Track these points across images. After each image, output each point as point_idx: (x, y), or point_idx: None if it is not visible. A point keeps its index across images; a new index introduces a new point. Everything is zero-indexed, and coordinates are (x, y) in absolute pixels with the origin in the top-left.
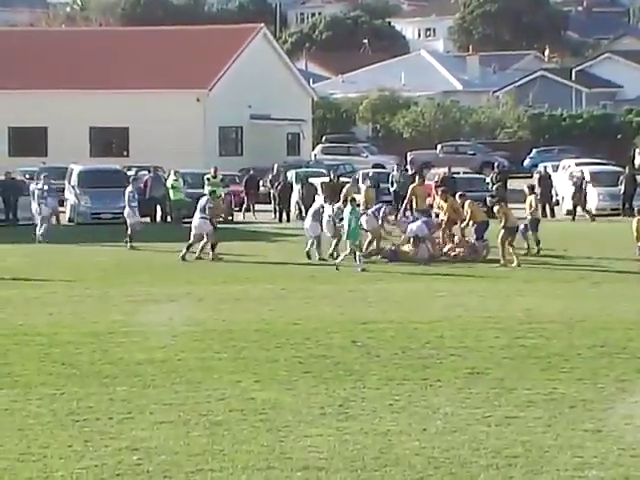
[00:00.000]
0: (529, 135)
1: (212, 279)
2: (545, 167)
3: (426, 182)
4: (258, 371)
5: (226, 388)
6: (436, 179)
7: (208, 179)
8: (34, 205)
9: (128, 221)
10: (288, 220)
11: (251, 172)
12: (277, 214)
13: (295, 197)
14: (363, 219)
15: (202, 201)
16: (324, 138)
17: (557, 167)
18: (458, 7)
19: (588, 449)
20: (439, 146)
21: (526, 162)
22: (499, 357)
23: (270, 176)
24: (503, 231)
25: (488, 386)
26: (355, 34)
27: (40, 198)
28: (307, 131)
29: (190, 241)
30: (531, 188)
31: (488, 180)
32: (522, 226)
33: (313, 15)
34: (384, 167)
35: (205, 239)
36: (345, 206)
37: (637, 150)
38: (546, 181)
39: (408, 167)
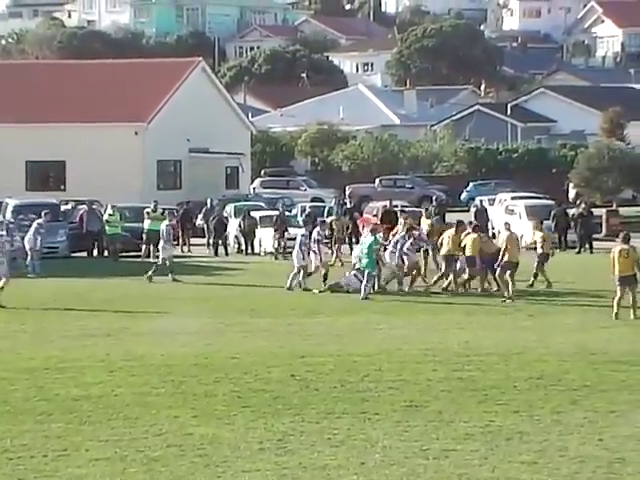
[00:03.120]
0: (466, 169)
1: (151, 313)
2: (481, 200)
3: (364, 215)
4: (196, 406)
5: (163, 423)
6: (374, 212)
7: (148, 213)
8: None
9: (161, 255)
10: (226, 254)
11: (185, 206)
12: (213, 248)
13: (234, 231)
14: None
15: (314, 233)
16: (263, 172)
17: (493, 200)
18: (395, 42)
19: None
20: (377, 180)
21: (463, 195)
22: (437, 390)
23: (204, 210)
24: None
25: (426, 419)
26: (294, 68)
27: (37, 233)
28: (246, 165)
29: (311, 271)
30: (540, 223)
31: (425, 214)
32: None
33: (252, 49)
34: (323, 201)
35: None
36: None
37: (570, 184)
38: (482, 214)
39: (347, 200)
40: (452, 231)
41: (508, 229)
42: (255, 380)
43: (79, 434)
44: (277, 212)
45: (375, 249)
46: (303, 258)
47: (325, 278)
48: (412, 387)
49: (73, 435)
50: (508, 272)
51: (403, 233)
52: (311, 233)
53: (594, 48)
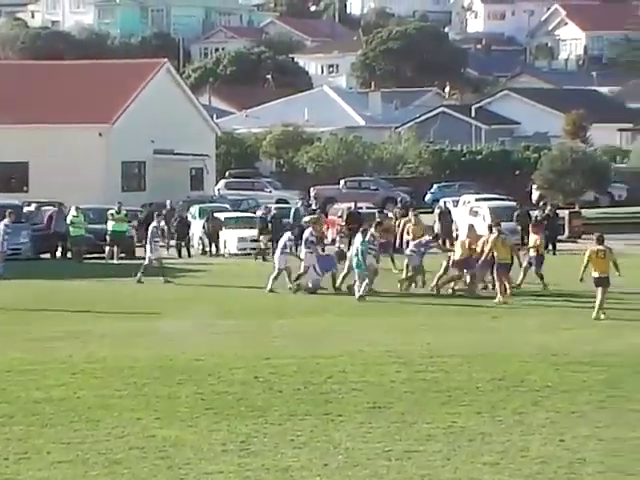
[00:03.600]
0: (430, 170)
1: (115, 315)
2: (445, 202)
3: (329, 217)
4: (159, 408)
5: (126, 426)
6: (340, 214)
7: (112, 214)
8: None
9: (148, 256)
10: (189, 255)
11: (148, 208)
12: (176, 249)
13: (199, 232)
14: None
15: (306, 234)
16: (228, 173)
17: (457, 202)
18: (361, 44)
19: None
20: (342, 181)
21: (427, 197)
22: (400, 391)
23: (164, 212)
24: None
25: (389, 420)
26: (259, 69)
27: (5, 234)
28: (211, 166)
29: (300, 272)
30: (536, 226)
31: (391, 215)
32: (526, 263)
33: (217, 50)
34: (288, 202)
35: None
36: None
37: (534, 186)
38: (446, 216)
39: (311, 202)
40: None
41: (498, 230)
42: (218, 382)
43: (40, 437)
44: (260, 215)
45: (363, 249)
46: (285, 261)
47: (297, 278)
48: (375, 388)
49: (34, 438)
50: (504, 273)
51: (373, 231)
52: (297, 236)
53: (557, 51)
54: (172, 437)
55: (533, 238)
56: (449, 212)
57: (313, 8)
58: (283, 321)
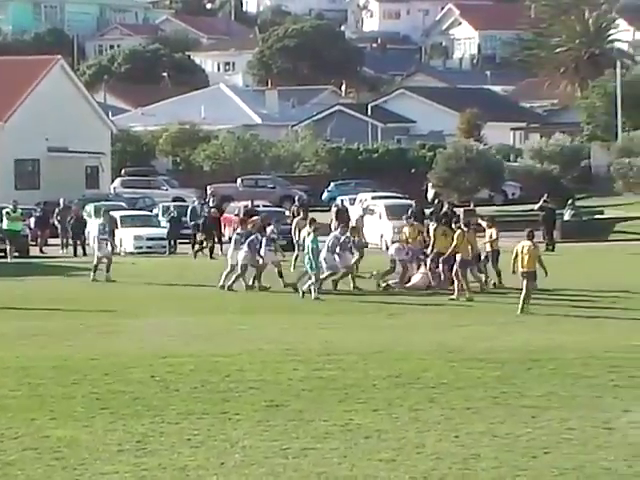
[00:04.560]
0: (327, 169)
1: (6, 315)
2: (342, 200)
3: (226, 215)
4: (54, 408)
5: (20, 427)
6: (236, 212)
7: (7, 213)
8: None
9: (97, 254)
10: (84, 254)
11: (43, 206)
12: (72, 248)
13: (94, 231)
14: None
15: (269, 232)
16: (124, 171)
17: (354, 200)
18: (257, 42)
19: (381, 479)
20: (239, 179)
21: (324, 195)
22: (298, 389)
23: (57, 210)
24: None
25: (286, 418)
26: (155, 67)
27: None
28: (106, 164)
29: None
30: (490, 220)
31: (288, 213)
32: (483, 257)
33: (112, 47)
34: (184, 200)
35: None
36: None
37: (429, 184)
38: (343, 214)
39: (209, 200)
40: (440, 230)
41: (460, 227)
42: (115, 381)
43: None
44: (205, 215)
45: (314, 248)
46: (237, 257)
47: (280, 275)
48: (273, 387)
49: None
50: (464, 270)
51: (337, 233)
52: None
53: (452, 50)
54: (67, 437)
55: (488, 233)
56: (346, 210)
57: (209, 6)
58: (181, 319)
